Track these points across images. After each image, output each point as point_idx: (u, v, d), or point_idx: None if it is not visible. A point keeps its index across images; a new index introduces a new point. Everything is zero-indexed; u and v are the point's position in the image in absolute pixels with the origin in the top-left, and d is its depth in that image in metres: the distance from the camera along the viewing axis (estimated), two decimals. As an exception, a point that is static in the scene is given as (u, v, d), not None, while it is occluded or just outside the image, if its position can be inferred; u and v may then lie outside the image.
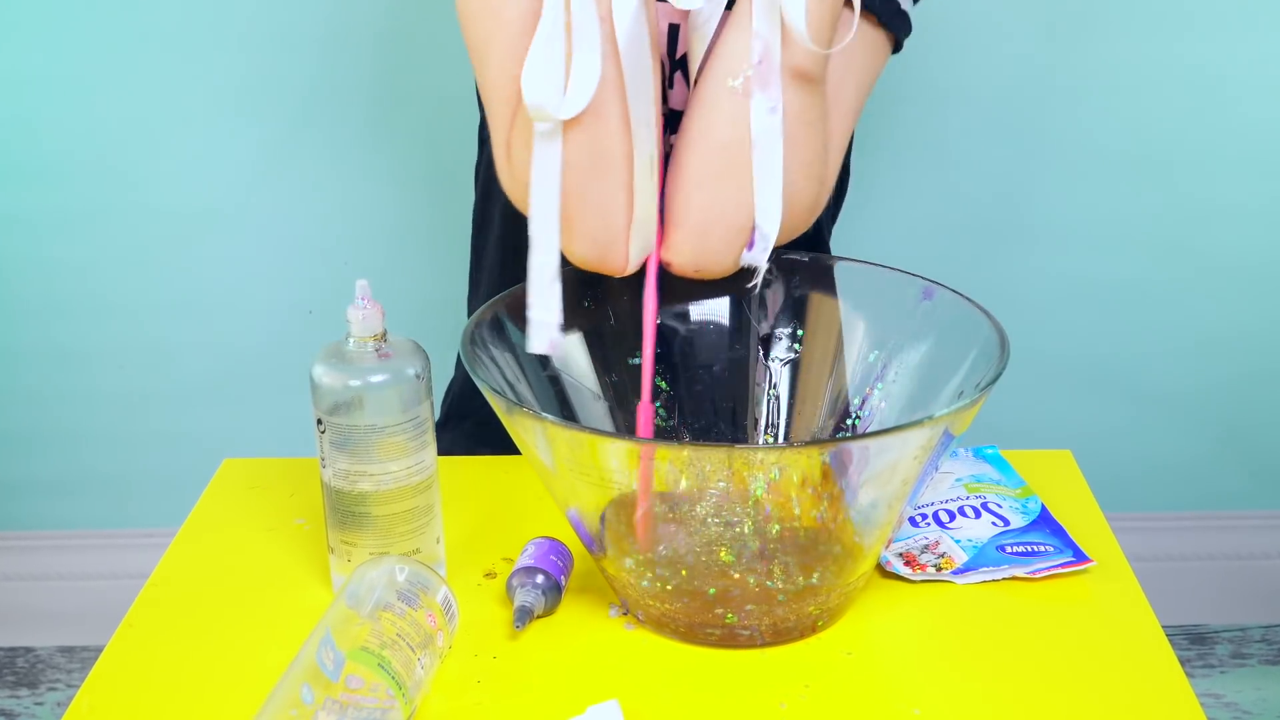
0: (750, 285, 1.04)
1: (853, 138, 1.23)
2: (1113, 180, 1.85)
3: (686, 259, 1.00)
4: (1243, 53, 1.78)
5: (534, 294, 0.97)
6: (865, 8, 1.02)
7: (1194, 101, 1.80)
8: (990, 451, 1.14)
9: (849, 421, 1.06)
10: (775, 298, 1.08)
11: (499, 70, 1.00)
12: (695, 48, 1.02)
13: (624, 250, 1.00)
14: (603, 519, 0.94)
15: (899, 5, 1.05)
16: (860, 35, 1.01)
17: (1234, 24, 1.77)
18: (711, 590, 0.93)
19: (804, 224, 1.03)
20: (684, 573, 0.95)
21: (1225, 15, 1.77)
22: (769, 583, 0.93)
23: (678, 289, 1.06)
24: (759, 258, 1.00)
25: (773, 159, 0.97)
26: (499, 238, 1.27)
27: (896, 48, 1.09)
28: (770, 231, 0.98)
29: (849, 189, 1.31)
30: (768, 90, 0.96)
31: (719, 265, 1.01)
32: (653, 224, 1.00)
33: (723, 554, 0.95)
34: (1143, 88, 1.80)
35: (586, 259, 1.00)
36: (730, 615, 0.93)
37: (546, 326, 0.98)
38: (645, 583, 0.94)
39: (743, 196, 0.98)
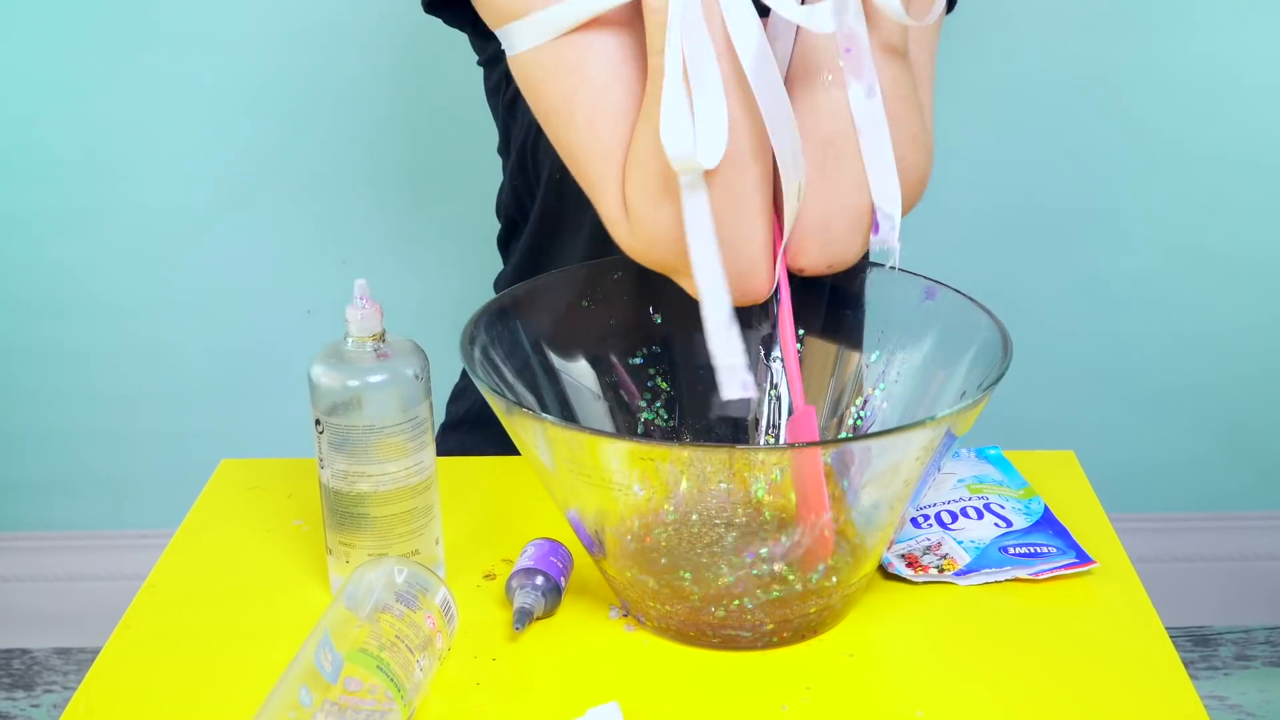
0: (890, 266, 1.02)
1: None
2: (1117, 177, 1.85)
3: (815, 258, 1.00)
4: (1252, 50, 1.78)
5: (715, 342, 0.95)
6: None
7: (1201, 99, 1.80)
8: (993, 452, 1.14)
9: (851, 422, 1.06)
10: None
11: (590, 126, 0.98)
12: (780, 54, 1.00)
13: (766, 276, 0.98)
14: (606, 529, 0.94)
15: None
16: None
17: (1244, 22, 1.77)
18: (712, 592, 0.93)
19: (918, 196, 1.03)
20: (684, 574, 0.95)
21: (1235, 13, 1.77)
22: (770, 584, 0.93)
23: (679, 288, 1.06)
24: (889, 239, 0.99)
25: (881, 140, 0.97)
26: (518, 267, 1.27)
27: (949, 7, 1.09)
28: (893, 211, 0.98)
29: None
30: (862, 75, 0.96)
31: (847, 256, 1.00)
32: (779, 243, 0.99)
33: (723, 554, 0.95)
34: (1150, 85, 1.80)
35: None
36: (731, 617, 0.93)
37: (735, 370, 0.96)
38: (645, 584, 0.94)
39: (857, 183, 0.98)
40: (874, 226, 0.99)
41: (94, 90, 1.81)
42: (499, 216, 1.31)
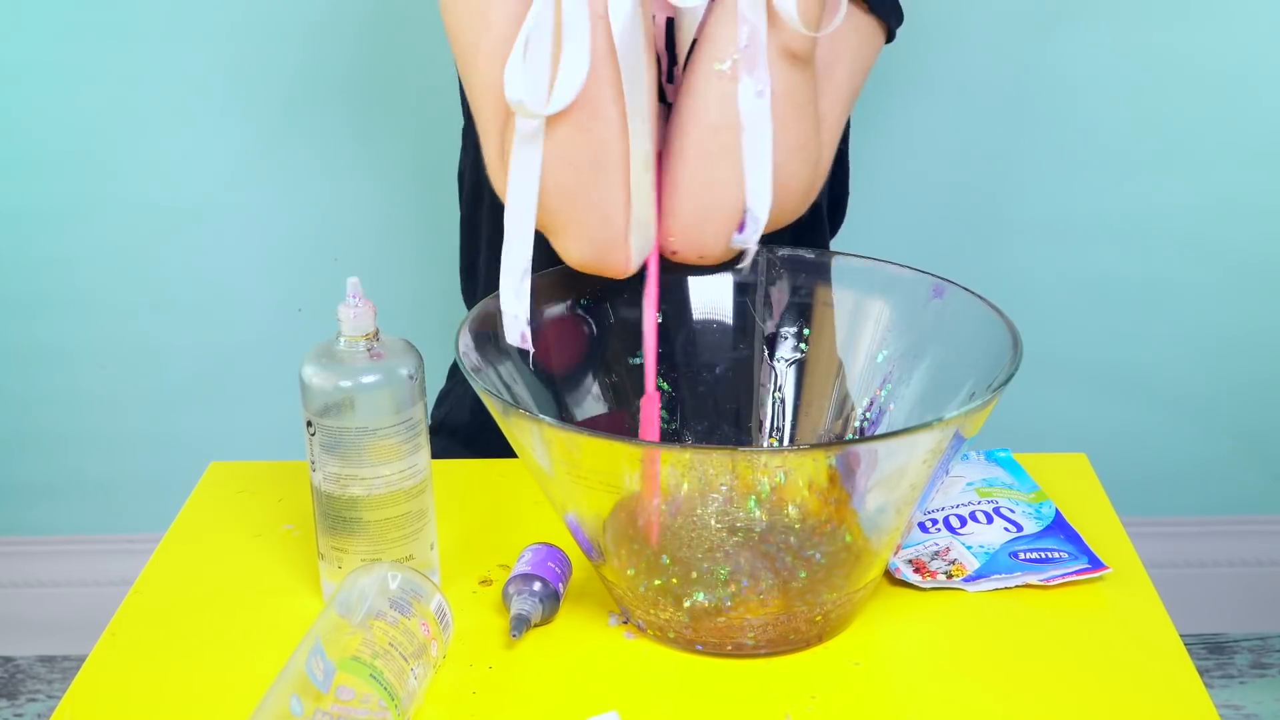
0: (739, 267, 1.05)
1: (848, 134, 1.24)
2: (1131, 175, 1.85)
3: (686, 245, 1.02)
4: (1265, 44, 1.78)
5: (506, 288, 1.00)
6: None
7: (1216, 94, 1.80)
8: (1003, 454, 1.14)
9: (856, 424, 1.06)
10: (780, 296, 1.08)
11: (487, 72, 1.01)
12: (684, 37, 1.03)
13: (625, 250, 1.01)
14: (605, 528, 0.94)
15: None
16: (850, 21, 1.03)
17: (1256, 14, 1.77)
18: (714, 597, 0.93)
19: (798, 207, 1.05)
20: (686, 579, 0.95)
21: (1244, 12, 1.77)
22: (773, 590, 0.93)
23: (679, 287, 1.06)
24: (750, 239, 1.01)
25: (762, 141, 0.99)
26: (489, 240, 1.27)
27: (889, 37, 1.10)
28: (761, 214, 1.00)
29: (850, 192, 1.31)
30: (755, 73, 0.98)
31: (719, 249, 1.02)
32: (652, 222, 1.01)
33: (725, 560, 0.95)
34: (1166, 80, 1.80)
35: (586, 261, 1.01)
36: (733, 623, 0.93)
37: (519, 320, 1.00)
38: (645, 589, 0.94)
39: (736, 179, 1.00)
40: (740, 224, 1.01)
41: (79, 83, 1.81)
42: (460, 188, 1.34)
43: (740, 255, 1.03)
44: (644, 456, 0.92)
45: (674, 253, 1.03)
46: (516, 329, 1.00)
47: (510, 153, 0.99)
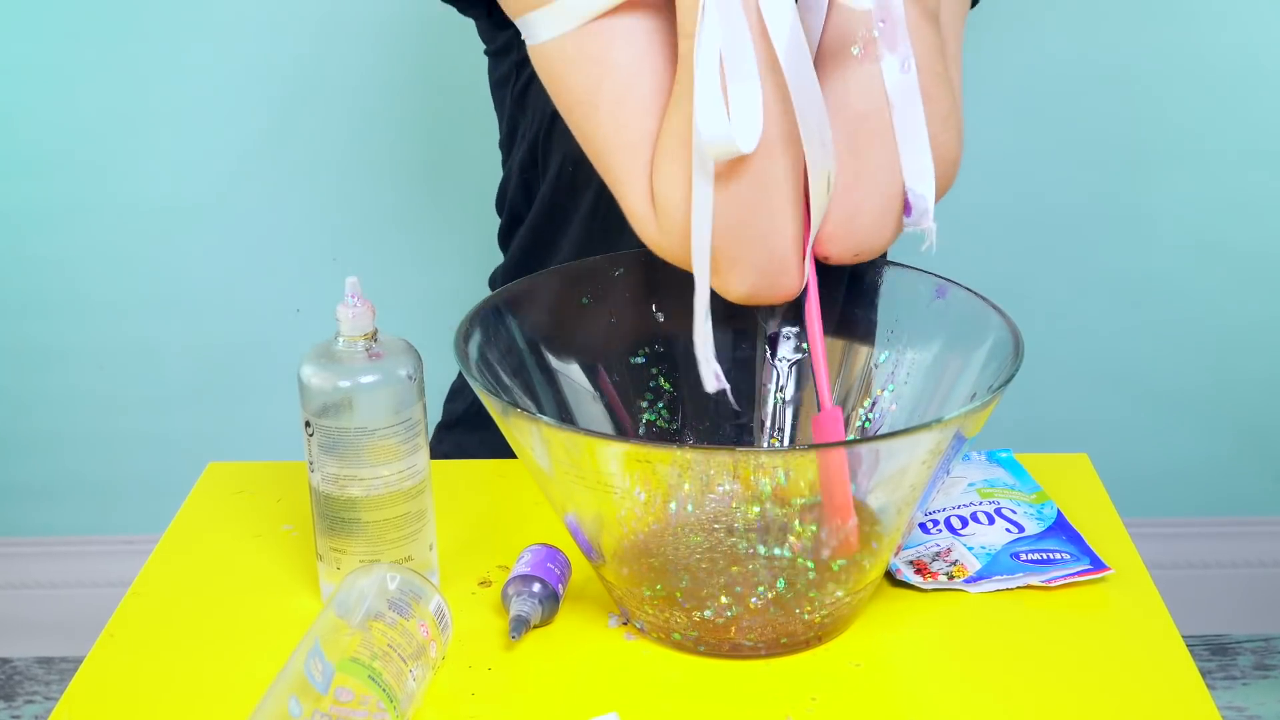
0: (925, 247, 1.00)
1: None
2: (1132, 174, 1.85)
3: (842, 246, 0.98)
4: (1266, 44, 1.79)
5: (698, 334, 0.96)
6: None
7: (1223, 92, 1.81)
8: (1004, 455, 1.14)
9: (858, 424, 1.06)
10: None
11: (615, 120, 0.97)
12: (810, 30, 0.98)
13: (797, 273, 0.97)
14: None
15: None
16: None
17: (1268, 15, 1.77)
18: (715, 599, 0.93)
19: (951, 180, 1.01)
20: (685, 581, 0.95)
21: (1251, 9, 1.77)
22: (774, 590, 0.93)
23: (683, 291, 1.06)
24: (922, 221, 0.98)
25: (915, 117, 0.96)
26: (516, 262, 1.27)
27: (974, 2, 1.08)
28: (926, 192, 0.97)
29: None
30: (897, 49, 0.95)
31: (877, 242, 0.99)
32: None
33: (726, 560, 0.95)
34: (1167, 80, 1.80)
35: (755, 292, 0.97)
36: (733, 624, 0.93)
37: (710, 362, 0.96)
38: (645, 591, 0.94)
39: (889, 164, 0.96)
40: (906, 208, 0.98)
41: (77, 83, 1.81)
42: (500, 211, 1.31)
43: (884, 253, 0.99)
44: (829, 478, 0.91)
45: (827, 257, 0.99)
46: (710, 370, 0.96)
47: (666, 194, 0.95)
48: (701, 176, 0.92)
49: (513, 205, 1.29)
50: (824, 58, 0.97)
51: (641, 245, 1.00)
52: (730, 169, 0.92)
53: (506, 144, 1.28)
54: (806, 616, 0.94)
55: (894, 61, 0.95)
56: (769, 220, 0.95)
